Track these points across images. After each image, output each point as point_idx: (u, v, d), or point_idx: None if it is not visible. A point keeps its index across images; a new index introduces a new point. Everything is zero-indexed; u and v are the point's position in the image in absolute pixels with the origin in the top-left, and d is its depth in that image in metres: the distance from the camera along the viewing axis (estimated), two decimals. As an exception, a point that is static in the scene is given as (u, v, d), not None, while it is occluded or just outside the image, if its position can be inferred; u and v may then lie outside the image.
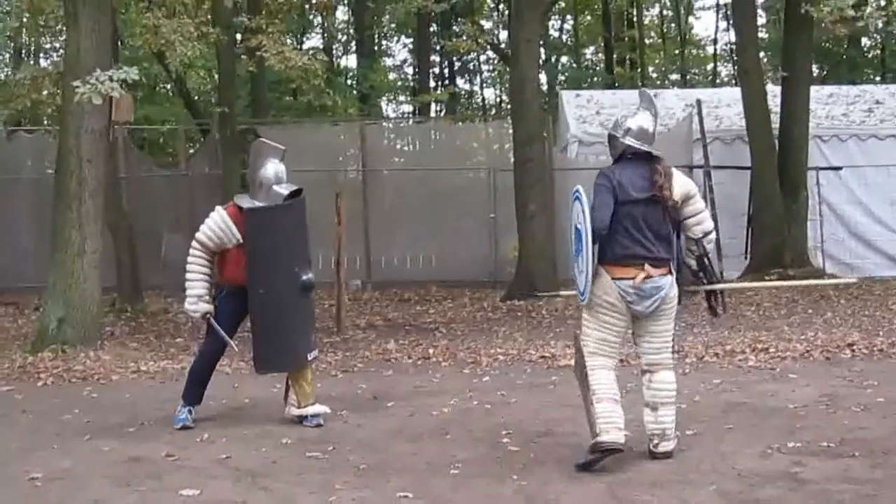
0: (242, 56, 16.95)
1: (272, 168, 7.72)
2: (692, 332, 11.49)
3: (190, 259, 7.64)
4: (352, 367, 10.22)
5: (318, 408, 7.70)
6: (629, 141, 6.38)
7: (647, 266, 6.20)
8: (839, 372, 9.13)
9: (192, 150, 20.64)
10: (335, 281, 13.08)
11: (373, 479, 6.10)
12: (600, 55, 35.62)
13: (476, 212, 18.12)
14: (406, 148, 21.33)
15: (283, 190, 7.70)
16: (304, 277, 7.62)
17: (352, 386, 9.21)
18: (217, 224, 7.58)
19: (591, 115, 18.76)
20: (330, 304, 14.11)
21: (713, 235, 6.58)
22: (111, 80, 9.51)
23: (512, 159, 16.60)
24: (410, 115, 34.75)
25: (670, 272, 6.34)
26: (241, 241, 7.56)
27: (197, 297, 7.61)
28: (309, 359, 7.75)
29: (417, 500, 5.66)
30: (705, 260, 6.61)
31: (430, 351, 10.92)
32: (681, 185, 6.37)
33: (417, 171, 19.19)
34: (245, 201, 7.71)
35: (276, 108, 25.48)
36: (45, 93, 12.43)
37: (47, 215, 17.40)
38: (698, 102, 17.27)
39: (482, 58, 34.80)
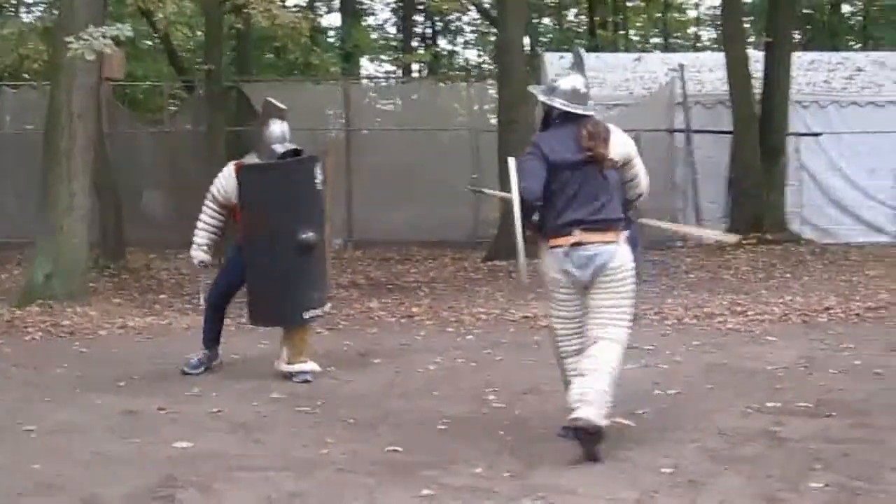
0: (228, 13, 16.97)
1: (275, 127, 7.98)
2: (672, 294, 11.67)
3: (202, 209, 8.03)
4: (336, 325, 10.33)
5: (308, 365, 7.82)
6: (557, 102, 6.01)
7: (576, 232, 5.82)
8: (816, 335, 9.34)
9: (173, 108, 20.72)
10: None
11: (363, 434, 6.23)
12: (583, 17, 35.68)
13: (458, 172, 18.23)
14: (388, 108, 21.43)
15: (280, 149, 7.91)
16: (303, 236, 7.70)
17: (337, 343, 9.33)
18: (224, 178, 7.89)
19: (574, 76, 18.91)
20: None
21: (644, 196, 6.26)
22: (104, 36, 9.60)
23: (493, 120, 16.74)
24: (391, 75, 34.80)
25: (615, 241, 5.91)
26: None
27: (197, 245, 8.02)
28: (305, 318, 7.85)
29: (407, 454, 5.79)
30: (628, 213, 6.19)
31: (414, 310, 11.08)
32: (621, 144, 6.03)
33: (399, 131, 19.30)
34: (250, 159, 8.00)
35: (258, 66, 25.49)
36: (30, 46, 12.47)
37: (29, 171, 17.51)
38: (681, 67, 17.50)
39: (465, 18, 34.84)
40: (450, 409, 6.76)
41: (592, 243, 5.83)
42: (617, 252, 5.90)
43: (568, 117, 5.99)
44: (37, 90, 18.14)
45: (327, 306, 8.33)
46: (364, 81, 27.13)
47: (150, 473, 5.45)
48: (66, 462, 5.72)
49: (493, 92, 17.10)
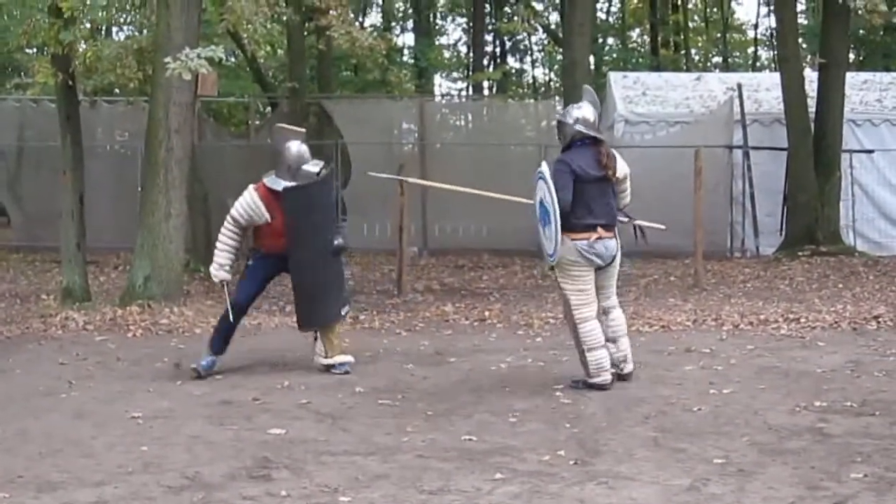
0: (310, 34, 17.52)
1: (298, 149, 8.46)
2: (729, 302, 11.98)
3: (222, 231, 8.47)
4: (414, 327, 10.80)
5: (345, 357, 8.43)
6: (580, 128, 7.69)
7: (599, 229, 7.56)
8: (864, 341, 9.57)
9: (258, 122, 21.36)
10: (396, 247, 13.66)
11: (440, 424, 6.65)
12: (645, 37, 35.98)
13: (526, 185, 18.53)
14: (459, 123, 21.88)
15: (314, 168, 8.43)
16: (337, 242, 8.37)
17: (415, 343, 9.80)
18: (248, 204, 8.33)
19: (637, 95, 19.23)
20: (390, 268, 14.70)
21: (628, 205, 8.02)
22: (199, 57, 10.11)
23: (560, 136, 17.15)
24: (462, 91, 35.35)
25: (615, 236, 7.70)
26: (270, 220, 8.30)
27: (220, 265, 8.41)
28: (342, 314, 8.54)
29: (481, 442, 6.18)
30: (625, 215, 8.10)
31: (486, 313, 11.45)
32: (622, 166, 7.76)
33: (471, 146, 19.76)
34: (274, 182, 8.40)
35: (336, 83, 26.04)
36: (125, 70, 13.06)
37: (119, 180, 18.21)
38: (739, 86, 17.86)
39: (533, 38, 35.27)
40: (519, 404, 7.17)
41: (607, 238, 7.62)
42: (617, 244, 7.73)
43: (586, 141, 7.69)
44: (131, 105, 18.90)
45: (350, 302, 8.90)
46: (437, 98, 27.68)
47: (247, 456, 5.91)
48: (170, 445, 6.19)
49: (560, 108, 17.51)
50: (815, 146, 17.14)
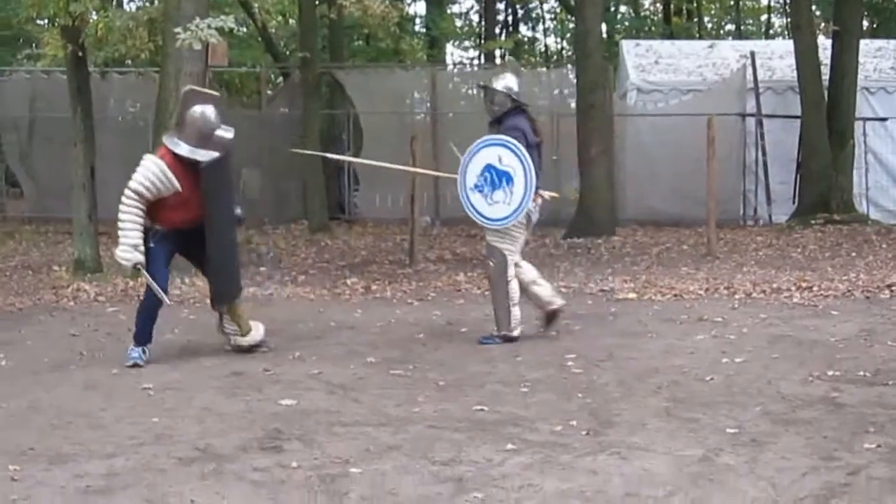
0: (320, 3, 17.49)
1: (211, 113, 7.74)
2: (741, 271, 11.98)
3: (124, 209, 7.55)
4: (426, 297, 10.81)
5: (260, 332, 8.13)
6: (514, 97, 8.27)
7: (541, 191, 8.27)
8: (878, 310, 9.52)
9: (269, 92, 21.34)
10: (408, 217, 13.69)
11: (451, 394, 6.64)
12: (658, 5, 35.80)
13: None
14: (471, 92, 21.81)
15: (227, 133, 7.78)
16: (238, 212, 8.04)
17: (427, 313, 9.80)
18: (156, 175, 7.53)
19: (650, 63, 19.18)
20: (402, 238, 14.67)
21: None
22: (209, 27, 10.11)
23: (572, 105, 17.10)
24: (475, 60, 35.24)
25: None
26: (181, 189, 7.56)
27: (132, 246, 7.56)
28: (242, 285, 8.42)
29: (492, 412, 6.17)
30: None
31: None
32: None
33: (483, 115, 19.68)
34: (178, 146, 7.61)
35: (348, 52, 26.01)
36: (136, 41, 13.05)
37: (134, 152, 18.14)
38: (752, 54, 17.81)
39: (545, 6, 35.14)
40: (531, 374, 7.17)
41: (540, 199, 8.29)
42: None
43: (520, 109, 8.34)
44: (142, 76, 18.95)
45: None
46: (449, 67, 27.59)
47: (258, 427, 5.91)
48: (180, 416, 6.20)
49: (572, 77, 17.44)
50: (829, 114, 17.09)
